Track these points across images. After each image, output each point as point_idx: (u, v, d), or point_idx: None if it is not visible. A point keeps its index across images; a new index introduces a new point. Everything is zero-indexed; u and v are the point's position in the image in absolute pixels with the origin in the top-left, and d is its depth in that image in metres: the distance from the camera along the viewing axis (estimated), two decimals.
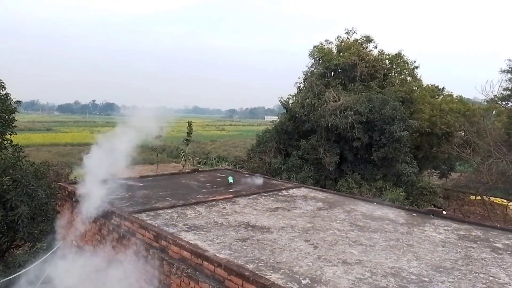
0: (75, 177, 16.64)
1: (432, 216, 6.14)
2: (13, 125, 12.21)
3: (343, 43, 24.39)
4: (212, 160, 41.16)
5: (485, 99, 20.00)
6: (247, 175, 9.67)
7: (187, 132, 33.71)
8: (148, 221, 5.18)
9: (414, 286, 3.51)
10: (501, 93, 21.95)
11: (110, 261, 5.39)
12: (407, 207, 7.09)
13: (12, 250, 10.94)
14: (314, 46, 24.59)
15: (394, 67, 24.85)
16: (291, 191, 7.82)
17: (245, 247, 4.36)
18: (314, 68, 24.49)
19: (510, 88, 22.63)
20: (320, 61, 23.82)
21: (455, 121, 21.76)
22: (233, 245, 4.43)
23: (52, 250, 7.50)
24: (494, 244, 4.85)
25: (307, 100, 22.04)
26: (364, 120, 20.41)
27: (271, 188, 7.88)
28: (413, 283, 3.57)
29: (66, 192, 7.23)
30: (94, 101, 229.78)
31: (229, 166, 31.42)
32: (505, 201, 22.71)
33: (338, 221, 5.63)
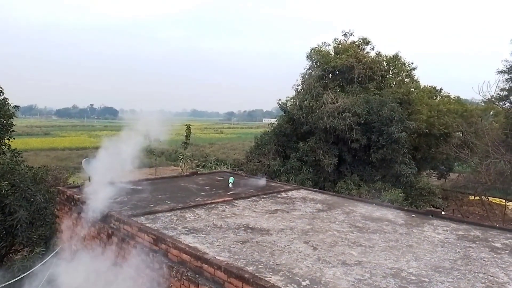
0: (73, 181, 16.62)
1: (431, 216, 6.16)
2: (11, 129, 12.21)
3: (340, 45, 24.50)
4: (211, 163, 41.15)
5: (482, 99, 20.11)
6: (246, 177, 9.68)
7: (186, 135, 33.72)
8: (147, 225, 5.17)
9: (413, 286, 3.52)
10: (499, 94, 22.04)
11: (109, 265, 5.39)
12: (406, 208, 7.10)
13: (10, 255, 10.90)
14: (312, 49, 24.70)
15: (391, 68, 24.97)
16: (290, 193, 7.83)
17: (244, 249, 4.37)
18: (312, 70, 24.58)
19: (507, 88, 22.72)
20: (318, 64, 23.92)
21: (453, 121, 21.84)
22: (233, 247, 4.43)
23: (51, 255, 7.48)
24: (493, 244, 4.86)
25: (305, 102, 22.09)
26: (362, 121, 20.47)
27: (270, 190, 7.89)
28: (412, 283, 3.58)
29: (65, 196, 7.21)
30: (92, 105, 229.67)
31: (228, 168, 31.39)
32: (504, 201, 22.77)
33: (337, 223, 5.64)
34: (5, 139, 11.93)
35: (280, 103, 24.46)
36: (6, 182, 9.40)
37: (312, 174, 21.10)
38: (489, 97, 18.49)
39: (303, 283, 3.51)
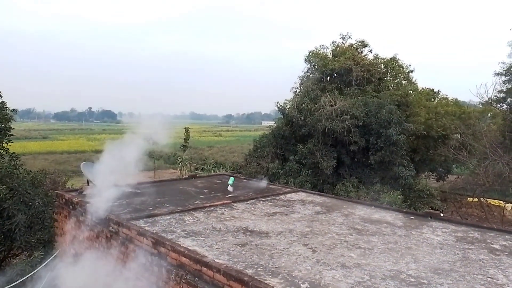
0: (72, 185, 16.60)
1: (429, 218, 6.17)
2: (10, 133, 12.17)
3: (338, 48, 24.56)
4: (209, 165, 41.12)
5: (480, 101, 20.15)
6: (244, 179, 9.68)
7: (184, 138, 33.69)
8: (146, 228, 5.17)
9: None
10: (496, 96, 22.12)
11: (109, 268, 5.37)
12: (404, 210, 7.11)
13: (9, 259, 10.86)
14: (310, 51, 24.76)
15: (389, 71, 25.03)
16: (289, 195, 7.83)
17: (244, 252, 4.36)
18: (310, 73, 24.63)
19: (504, 90, 22.81)
20: (316, 66, 23.96)
21: (451, 123, 21.89)
22: (232, 250, 4.43)
23: (50, 259, 7.46)
24: (492, 246, 4.87)
25: (303, 105, 22.11)
26: (361, 124, 20.50)
27: (269, 193, 7.89)
28: (411, 285, 3.58)
29: (64, 200, 7.20)
30: (90, 108, 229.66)
31: (227, 171, 31.36)
32: (502, 202, 22.82)
33: (336, 225, 5.64)
34: (3, 142, 11.89)
35: (279, 105, 24.48)
36: (4, 186, 9.38)
37: (311, 177, 21.09)
38: (487, 99, 18.55)
39: (303, 286, 3.51)
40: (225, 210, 6.33)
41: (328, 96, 21.52)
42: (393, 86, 24.35)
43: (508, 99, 22.95)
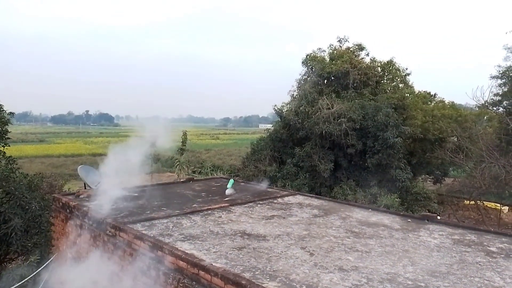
0: (68, 189, 16.53)
1: (426, 221, 6.18)
2: (6, 136, 12.12)
3: (335, 51, 24.69)
4: (207, 169, 41.09)
5: (476, 104, 20.26)
6: (242, 182, 9.68)
7: (182, 141, 33.67)
8: (143, 231, 5.16)
9: None
10: (492, 99, 22.23)
11: (106, 273, 5.35)
12: (402, 213, 7.13)
13: (5, 264, 10.79)
14: (307, 55, 24.88)
15: (386, 74, 25.18)
16: (286, 198, 7.84)
17: (241, 256, 4.36)
18: (307, 76, 24.74)
19: (500, 93, 22.94)
20: (313, 69, 24.06)
21: (447, 126, 21.99)
22: (229, 254, 4.43)
23: (46, 263, 7.42)
24: (489, 248, 4.89)
25: (301, 108, 22.19)
26: (358, 127, 20.58)
27: (267, 196, 7.89)
28: None
29: (60, 203, 7.17)
30: (87, 111, 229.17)
31: (224, 174, 31.32)
32: (499, 205, 22.90)
33: (333, 228, 5.65)
34: (0, 146, 11.84)
35: (276, 108, 24.55)
36: (0, 190, 9.35)
37: (308, 180, 21.12)
38: (483, 102, 18.65)
39: None
40: (223, 214, 6.33)
41: (326, 99, 21.60)
42: (390, 89, 24.49)
43: (504, 102, 23.08)
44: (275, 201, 7.55)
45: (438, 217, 6.46)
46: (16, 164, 11.22)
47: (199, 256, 4.26)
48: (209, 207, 6.66)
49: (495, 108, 22.90)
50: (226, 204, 6.93)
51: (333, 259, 4.32)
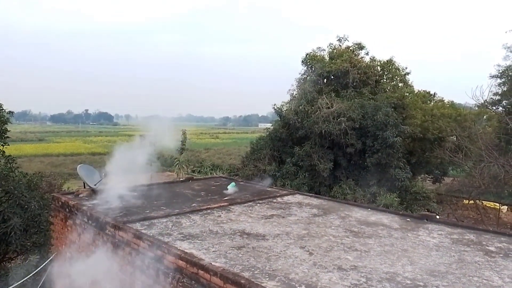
0: (68, 188, 16.53)
1: (426, 220, 6.19)
2: (6, 135, 12.10)
3: (335, 50, 24.69)
4: (206, 168, 41.09)
5: (475, 104, 20.27)
6: (241, 182, 9.68)
7: (181, 141, 33.66)
8: (142, 231, 5.16)
9: None
10: (491, 98, 22.27)
11: (105, 272, 5.35)
12: (401, 212, 7.13)
13: (4, 263, 10.79)
14: (307, 54, 24.86)
15: (385, 73, 25.17)
16: (285, 198, 7.84)
17: (240, 255, 4.37)
18: (307, 75, 24.72)
19: (500, 93, 22.97)
20: (313, 68, 24.05)
21: (447, 126, 22.01)
22: (229, 253, 4.43)
23: (46, 262, 7.43)
24: (487, 248, 4.90)
25: (300, 107, 22.19)
26: (357, 126, 20.59)
27: (266, 196, 7.90)
28: (408, 287, 3.60)
29: (60, 203, 7.17)
30: (87, 110, 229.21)
31: (224, 174, 31.34)
32: (498, 204, 22.93)
33: (333, 227, 5.66)
34: None
35: (276, 108, 24.54)
36: (0, 189, 9.33)
37: (307, 179, 21.13)
38: (482, 101, 18.66)
39: None
40: (222, 213, 6.33)
41: (325, 98, 21.60)
42: (390, 88, 24.49)
43: (504, 101, 23.12)
44: (275, 200, 7.55)
45: (437, 217, 6.47)
46: (15, 163, 11.22)
47: (198, 255, 4.26)
48: (209, 206, 6.66)
49: (494, 108, 22.94)
50: (226, 204, 6.94)
51: (332, 259, 4.32)
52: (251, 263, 4.12)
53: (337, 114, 20.57)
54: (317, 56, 24.66)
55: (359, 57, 24.40)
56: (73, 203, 6.68)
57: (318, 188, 20.99)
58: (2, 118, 12.04)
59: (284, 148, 23.23)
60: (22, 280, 7.56)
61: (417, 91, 26.14)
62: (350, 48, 24.71)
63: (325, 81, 24.21)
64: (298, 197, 7.98)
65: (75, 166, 8.84)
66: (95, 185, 7.60)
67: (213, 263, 4.00)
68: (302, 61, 24.81)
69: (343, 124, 20.19)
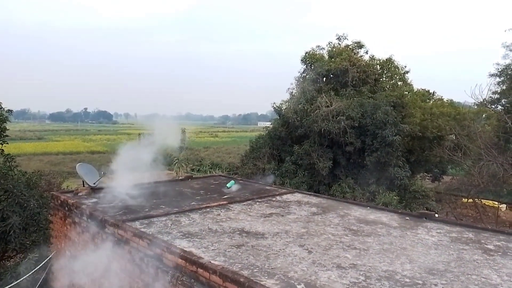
0: (67, 186, 16.52)
1: (424, 219, 6.20)
2: (5, 134, 12.08)
3: (334, 49, 24.66)
4: (205, 166, 41.09)
5: (475, 102, 20.28)
6: (241, 180, 9.68)
7: (181, 139, 33.65)
8: (142, 229, 5.16)
9: None
10: (490, 97, 22.28)
11: (104, 270, 5.36)
12: (400, 211, 7.14)
13: (3, 261, 10.79)
14: (306, 52, 24.84)
15: (385, 72, 25.15)
16: (285, 196, 7.85)
17: (239, 253, 4.37)
18: (306, 73, 24.71)
19: (499, 91, 22.98)
20: (312, 67, 24.03)
21: (446, 124, 22.02)
22: (228, 251, 4.43)
23: (45, 261, 7.43)
24: (486, 246, 4.91)
25: (299, 106, 22.18)
26: (356, 125, 20.59)
27: (265, 194, 7.90)
28: (407, 286, 3.61)
29: (59, 201, 7.17)
30: (86, 109, 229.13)
31: (223, 172, 31.34)
32: (497, 203, 22.98)
33: (332, 226, 5.66)
34: None
35: (275, 106, 24.54)
36: None
37: (307, 178, 21.15)
38: (481, 100, 18.67)
39: (299, 287, 3.52)
40: (221, 211, 6.33)
41: (324, 97, 21.59)
42: (389, 87, 24.48)
43: (503, 100, 23.14)
44: (274, 199, 7.56)
45: (436, 215, 6.48)
46: (14, 162, 11.20)
47: (197, 253, 4.27)
48: (208, 205, 6.66)
49: (493, 106, 22.96)
50: (225, 202, 6.94)
51: (331, 257, 4.33)
52: (250, 262, 4.12)
53: (336, 112, 20.58)
54: (316, 54, 24.64)
55: (359, 55, 24.39)
56: (72, 201, 6.68)
57: (317, 187, 21.01)
58: (1, 117, 12.01)
59: (283, 147, 23.24)
60: (21, 279, 7.56)
61: (416, 89, 26.15)
62: (350, 47, 24.69)
63: (324, 79, 24.20)
64: (297, 196, 7.99)
65: (74, 165, 8.84)
66: (94, 183, 7.60)
67: (212, 262, 4.00)
68: (302, 60, 24.80)
69: (343, 122, 20.19)
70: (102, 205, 6.47)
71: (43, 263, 7.43)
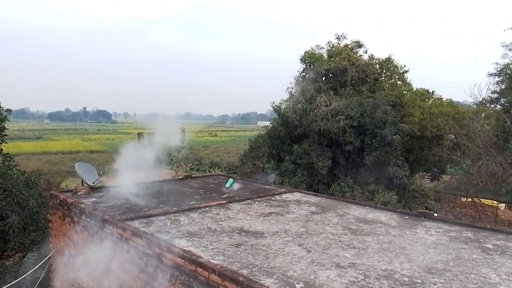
0: (66, 186, 16.51)
1: (423, 218, 6.21)
2: (4, 133, 12.06)
3: (333, 48, 24.64)
4: (205, 166, 41.04)
5: (474, 102, 20.28)
6: (240, 180, 9.69)
7: (180, 138, 33.57)
8: (141, 229, 5.16)
9: None
10: (490, 96, 22.29)
11: (103, 269, 5.36)
12: (399, 210, 7.15)
13: (2, 260, 10.78)
14: (305, 52, 24.82)
15: (384, 71, 25.14)
16: (284, 196, 7.85)
17: (239, 253, 4.37)
18: (305, 73, 24.70)
19: (498, 91, 22.99)
20: (311, 66, 24.01)
21: (445, 124, 22.03)
22: (227, 250, 4.44)
23: (44, 260, 7.42)
24: (485, 245, 4.92)
25: (299, 105, 22.17)
26: (356, 124, 20.59)
27: (264, 193, 7.90)
28: (405, 285, 3.61)
29: (58, 200, 7.17)
30: (85, 108, 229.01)
31: (222, 172, 31.32)
32: (496, 202, 23.02)
33: (331, 225, 5.67)
34: None
35: (274, 106, 24.52)
36: None
37: (306, 177, 21.14)
38: (481, 99, 18.68)
39: (298, 286, 3.52)
40: (221, 211, 6.34)
41: (324, 96, 21.59)
42: (388, 86, 24.48)
43: (502, 99, 23.15)
44: (273, 198, 7.56)
45: (435, 214, 6.49)
46: (13, 161, 11.18)
47: (196, 253, 4.27)
48: (207, 204, 6.67)
49: (492, 106, 22.96)
50: (224, 201, 6.94)
51: (330, 256, 4.34)
52: (250, 261, 4.13)
53: (335, 112, 20.58)
54: (315, 54, 24.61)
55: (358, 55, 24.37)
56: (71, 201, 6.68)
57: (316, 186, 21.01)
58: (0, 116, 11.99)
59: (282, 146, 23.23)
60: (20, 278, 7.56)
61: (415, 89, 26.15)
62: (349, 46, 24.67)
63: (323, 79, 24.18)
64: (297, 195, 7.99)
65: (73, 164, 8.85)
66: (93, 183, 7.60)
67: (211, 261, 4.00)
68: (301, 59, 24.78)
69: (342, 122, 20.19)
70: (101, 204, 6.47)
71: (42, 262, 7.42)
